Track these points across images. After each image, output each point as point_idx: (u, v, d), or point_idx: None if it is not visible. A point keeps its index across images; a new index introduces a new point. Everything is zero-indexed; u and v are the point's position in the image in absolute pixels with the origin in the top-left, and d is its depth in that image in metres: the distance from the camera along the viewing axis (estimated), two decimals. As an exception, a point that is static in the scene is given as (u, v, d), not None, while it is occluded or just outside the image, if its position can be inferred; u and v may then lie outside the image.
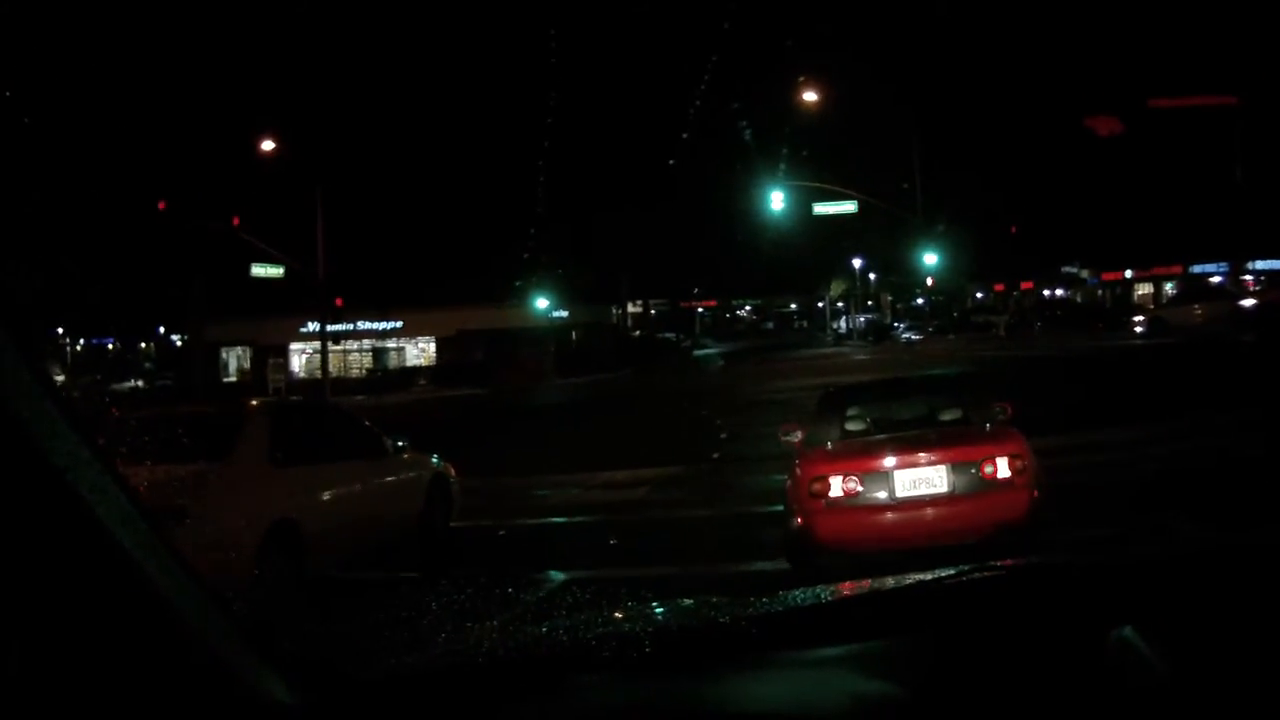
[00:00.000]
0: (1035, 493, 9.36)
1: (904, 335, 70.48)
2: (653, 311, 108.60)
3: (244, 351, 67.87)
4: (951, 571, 2.37)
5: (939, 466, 9.34)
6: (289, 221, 51.94)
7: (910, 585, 2.43)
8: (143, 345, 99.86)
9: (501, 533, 14.07)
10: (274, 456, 10.05)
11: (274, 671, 1.78)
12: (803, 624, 2.30)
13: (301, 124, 55.55)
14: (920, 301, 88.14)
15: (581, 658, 2.22)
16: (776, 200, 52.01)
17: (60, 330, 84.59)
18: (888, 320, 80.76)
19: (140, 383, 69.93)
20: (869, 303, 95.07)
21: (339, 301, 52.64)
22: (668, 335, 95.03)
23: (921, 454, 9.50)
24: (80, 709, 1.58)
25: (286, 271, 52.28)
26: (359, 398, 54.80)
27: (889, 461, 9.48)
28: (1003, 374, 33.48)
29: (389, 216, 62.74)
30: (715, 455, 19.31)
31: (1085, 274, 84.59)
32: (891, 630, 2.13)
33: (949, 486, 9.29)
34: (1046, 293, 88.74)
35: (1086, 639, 1.90)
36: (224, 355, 68.08)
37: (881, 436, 10.30)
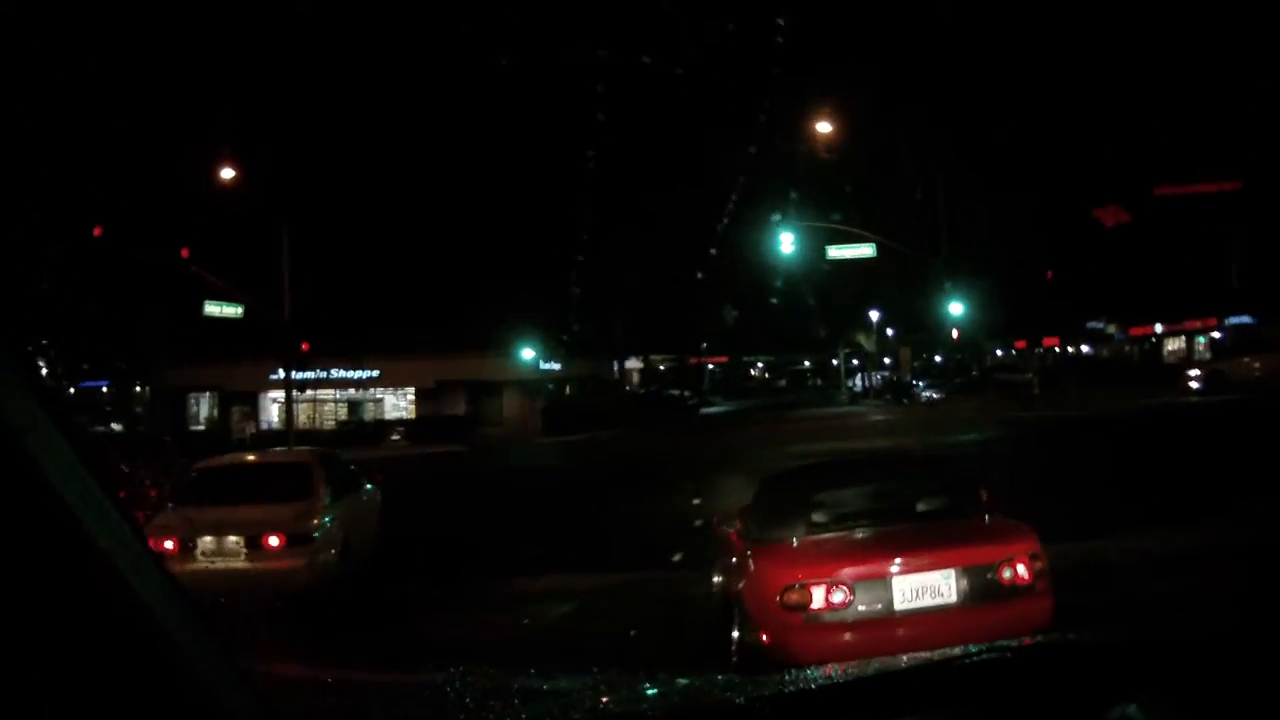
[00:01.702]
0: (1053, 598, 7.98)
1: (925, 394, 66.38)
2: (661, 367, 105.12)
3: (213, 398, 62.68)
4: (958, 651, 2.45)
5: (945, 571, 7.79)
6: (255, 258, 47.87)
7: (921, 665, 2.51)
8: (138, 389, 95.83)
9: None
10: (330, 493, 13.90)
11: None
12: (816, 704, 2.31)
13: (268, 152, 51.06)
14: (939, 359, 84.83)
15: None
16: (786, 243, 47.21)
17: (45, 371, 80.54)
18: (907, 378, 76.25)
19: (119, 427, 65.27)
20: (885, 360, 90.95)
21: (305, 346, 48.30)
22: (673, 392, 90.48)
23: (923, 555, 7.91)
24: None
25: (249, 312, 47.65)
26: (324, 453, 49.93)
27: (884, 565, 7.85)
28: (1049, 440, 29.09)
29: (365, 256, 57.79)
30: (677, 557, 13.72)
31: (1112, 329, 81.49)
32: (903, 710, 2.19)
33: (958, 596, 7.78)
34: (1071, 349, 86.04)
35: (1091, 716, 2.02)
36: (192, 402, 62.77)
37: (866, 531, 8.53)
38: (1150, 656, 2.32)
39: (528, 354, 58.04)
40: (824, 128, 43.75)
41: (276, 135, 55.66)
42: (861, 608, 7.68)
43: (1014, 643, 2.61)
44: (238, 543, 12.44)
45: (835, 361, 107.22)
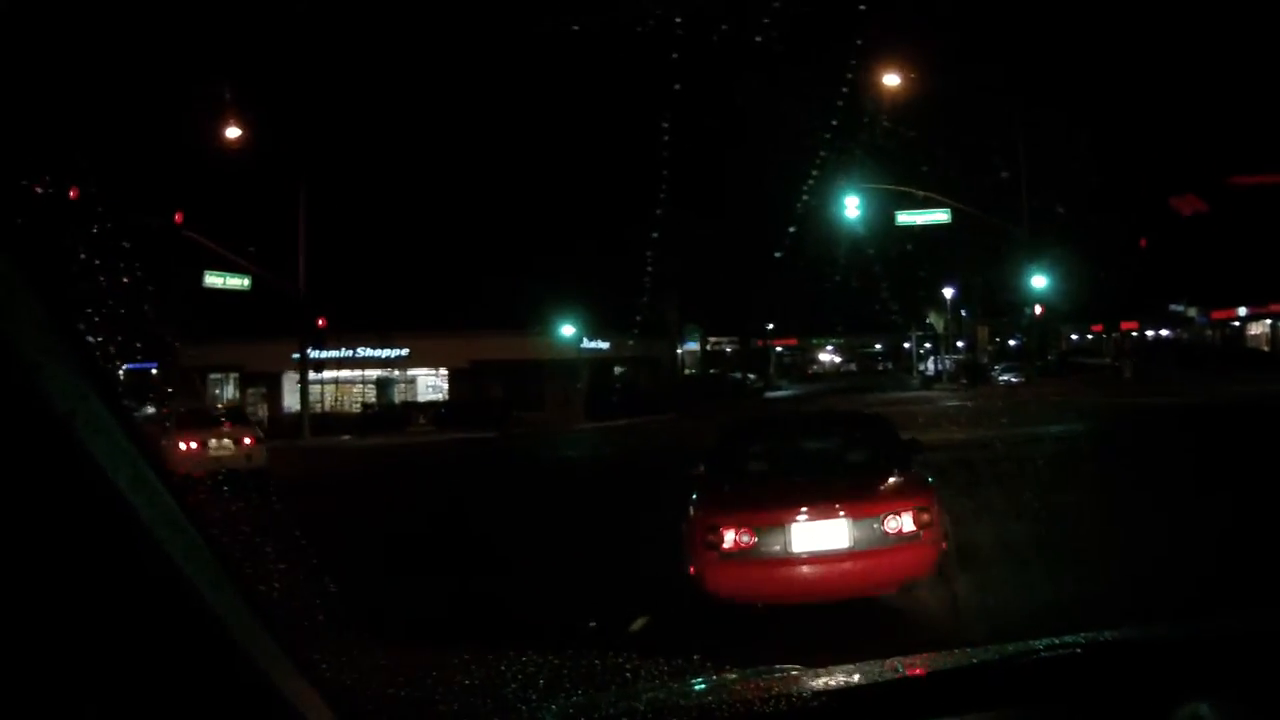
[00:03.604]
0: (943, 545, 8.94)
1: (1002, 377, 62.26)
2: (728, 350, 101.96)
3: (234, 379, 59.14)
4: (1024, 646, 2.44)
5: (839, 520, 8.74)
6: (276, 230, 44.37)
7: (986, 661, 2.49)
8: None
9: None
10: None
11: (332, 712, 1.84)
12: (884, 698, 2.31)
13: (285, 115, 47.30)
14: (1014, 342, 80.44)
15: None
16: (851, 207, 42.62)
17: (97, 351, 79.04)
18: (983, 360, 71.56)
19: (151, 409, 62.09)
20: (959, 343, 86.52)
21: (322, 322, 44.61)
22: (735, 375, 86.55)
23: (821, 506, 8.87)
24: None
25: (262, 286, 43.94)
26: (345, 438, 46.22)
27: (786, 514, 8.83)
28: (1156, 433, 24.71)
29: (395, 227, 53.95)
30: (637, 624, 8.78)
31: (1193, 312, 78.94)
32: (971, 704, 2.17)
33: (849, 542, 8.69)
34: (1151, 332, 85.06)
35: (1159, 713, 1.98)
36: (213, 383, 58.79)
37: (781, 482, 9.69)
38: (1223, 653, 2.27)
39: (569, 331, 53.75)
40: (897, 88, 39.29)
41: (296, 97, 52.20)
42: (764, 549, 8.69)
43: (1084, 638, 2.47)
44: (230, 443, 25.16)
45: (907, 345, 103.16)
